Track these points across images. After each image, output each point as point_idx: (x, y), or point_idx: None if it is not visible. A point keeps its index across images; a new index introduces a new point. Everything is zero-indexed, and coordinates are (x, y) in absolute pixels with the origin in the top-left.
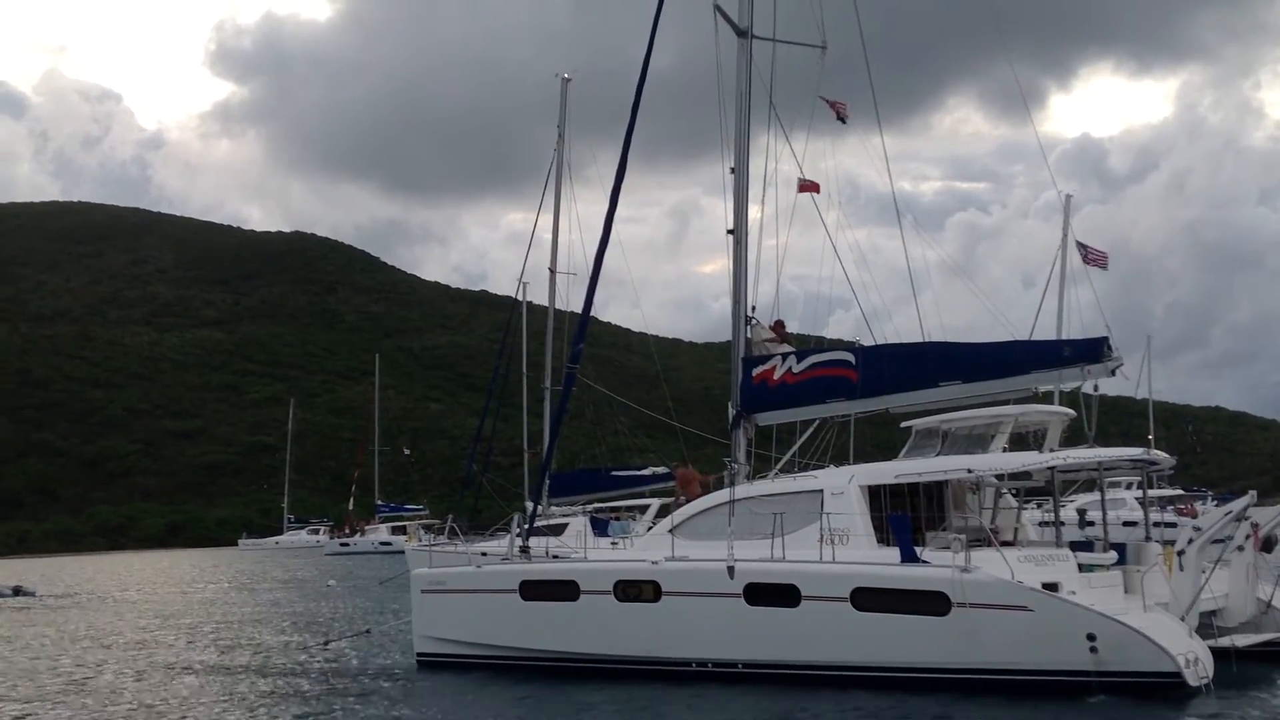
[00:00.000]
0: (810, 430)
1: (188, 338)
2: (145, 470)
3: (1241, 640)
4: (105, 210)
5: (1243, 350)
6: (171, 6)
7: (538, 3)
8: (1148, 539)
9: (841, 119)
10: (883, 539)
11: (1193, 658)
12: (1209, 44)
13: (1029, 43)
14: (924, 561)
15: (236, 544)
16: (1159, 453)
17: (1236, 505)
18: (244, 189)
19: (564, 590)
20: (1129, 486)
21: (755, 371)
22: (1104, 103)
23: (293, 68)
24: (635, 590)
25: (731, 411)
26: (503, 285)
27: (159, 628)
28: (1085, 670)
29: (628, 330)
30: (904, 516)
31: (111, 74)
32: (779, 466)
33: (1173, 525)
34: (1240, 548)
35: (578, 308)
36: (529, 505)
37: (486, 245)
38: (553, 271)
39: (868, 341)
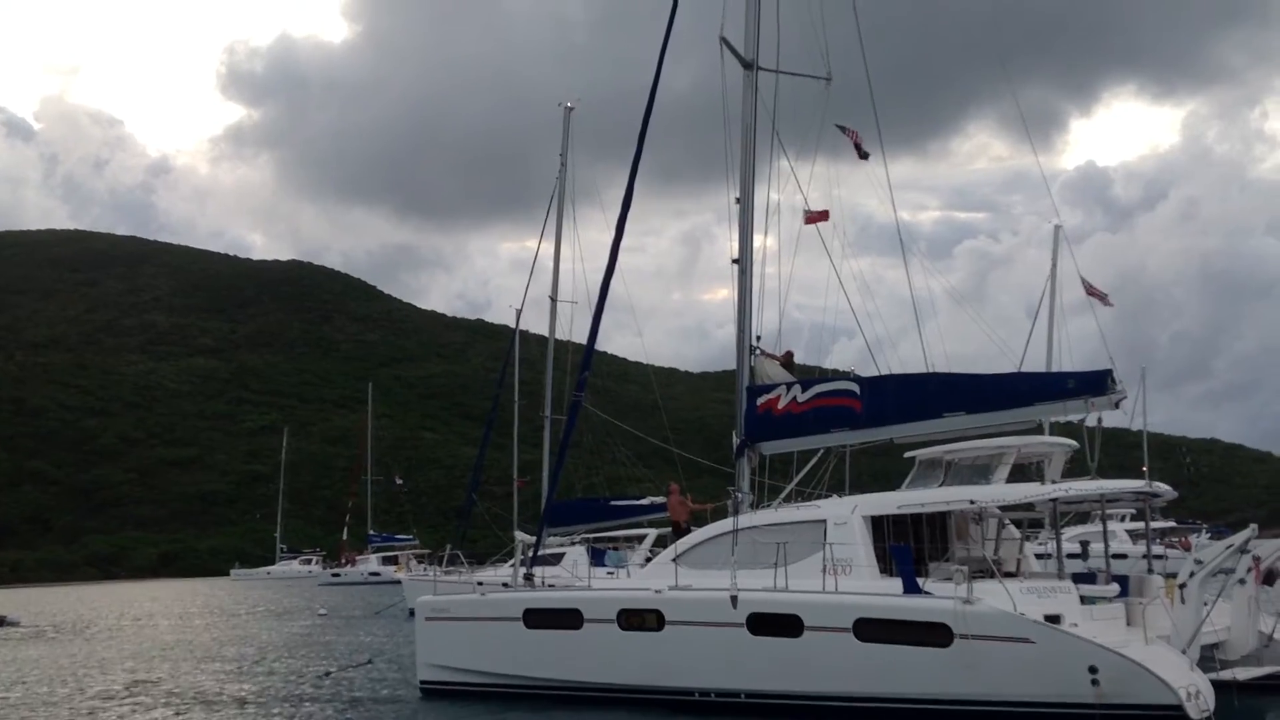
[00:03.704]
0: (814, 460)
1: (183, 366)
2: (138, 499)
3: (1243, 674)
4: (102, 238)
5: (1244, 381)
6: (182, 29)
7: (556, 22)
8: (1150, 571)
9: (862, 154)
10: (885, 569)
11: (1194, 690)
12: (1235, 67)
13: (1055, 65)
14: (926, 592)
15: (228, 574)
16: (1161, 485)
17: (1238, 538)
18: (254, 214)
19: (567, 619)
20: (1123, 519)
21: (759, 401)
22: (1123, 129)
23: (307, 90)
24: (638, 619)
25: (735, 440)
26: (507, 313)
27: (151, 658)
28: (1087, 703)
29: (624, 359)
30: (906, 547)
31: (122, 97)
32: (782, 496)
33: (1161, 558)
34: (1242, 581)
35: (579, 336)
36: (518, 535)
37: (490, 273)
38: (553, 300)
39: (871, 371)
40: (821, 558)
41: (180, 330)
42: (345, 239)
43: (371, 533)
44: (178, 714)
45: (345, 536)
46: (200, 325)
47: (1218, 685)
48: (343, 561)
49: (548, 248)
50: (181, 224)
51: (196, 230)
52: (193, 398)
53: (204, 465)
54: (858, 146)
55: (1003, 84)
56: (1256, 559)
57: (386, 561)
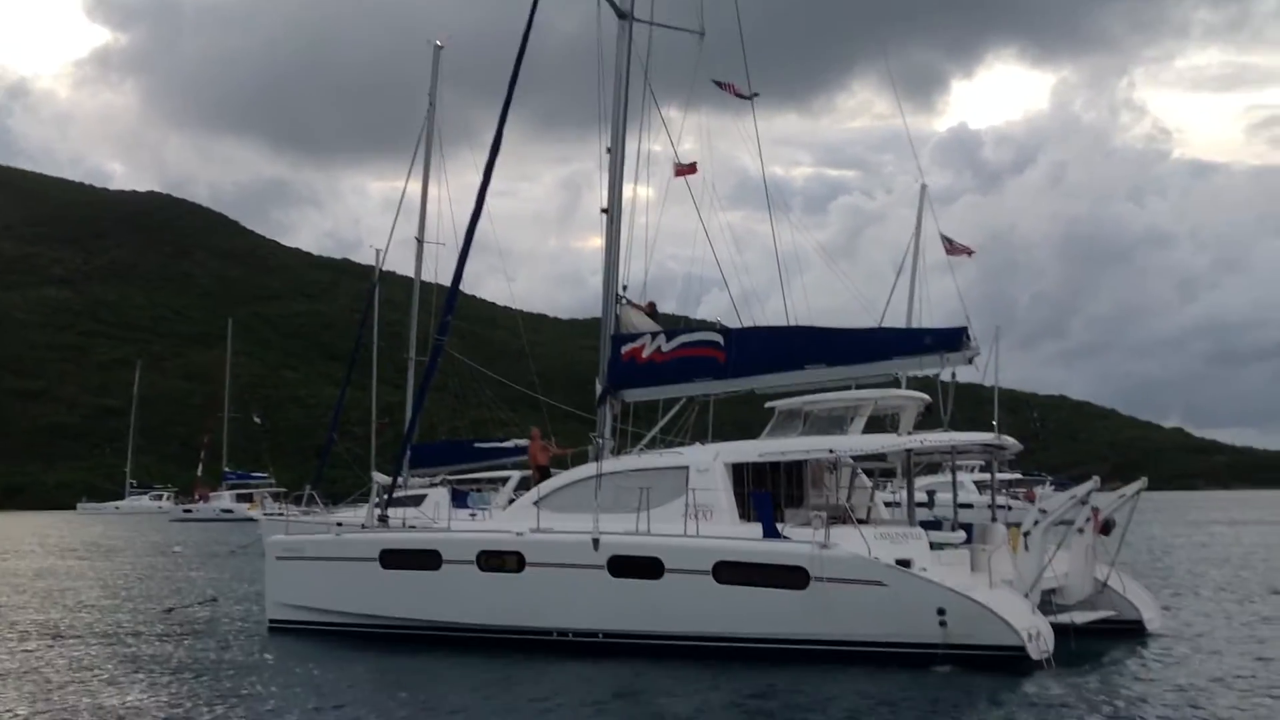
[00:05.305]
0: (676, 408)
1: (32, 296)
2: None
3: (1080, 617)
4: None
5: (1097, 342)
6: None
7: None
8: (994, 520)
9: (742, 96)
10: (745, 515)
11: (1035, 632)
12: (1113, 35)
13: (946, 25)
14: (785, 537)
15: (74, 508)
16: (1008, 438)
17: (1081, 490)
18: (117, 142)
19: (426, 559)
20: (972, 470)
21: (624, 349)
22: (999, 92)
23: (180, 14)
24: (499, 561)
25: (599, 387)
26: (375, 253)
27: None
28: (935, 643)
29: (493, 304)
30: (766, 494)
31: None
32: (643, 443)
33: (1006, 508)
34: (1081, 530)
35: (446, 279)
36: (376, 475)
37: (361, 211)
38: (419, 241)
39: (738, 324)
40: (683, 503)
41: (30, 259)
42: (214, 171)
43: (227, 470)
44: (16, 648)
45: (200, 473)
46: (52, 255)
47: (1056, 628)
48: (195, 498)
49: (415, 187)
50: (39, 150)
51: (55, 157)
52: (42, 329)
53: (52, 397)
54: (738, 94)
55: (878, 44)
56: (1095, 510)
57: (241, 499)
